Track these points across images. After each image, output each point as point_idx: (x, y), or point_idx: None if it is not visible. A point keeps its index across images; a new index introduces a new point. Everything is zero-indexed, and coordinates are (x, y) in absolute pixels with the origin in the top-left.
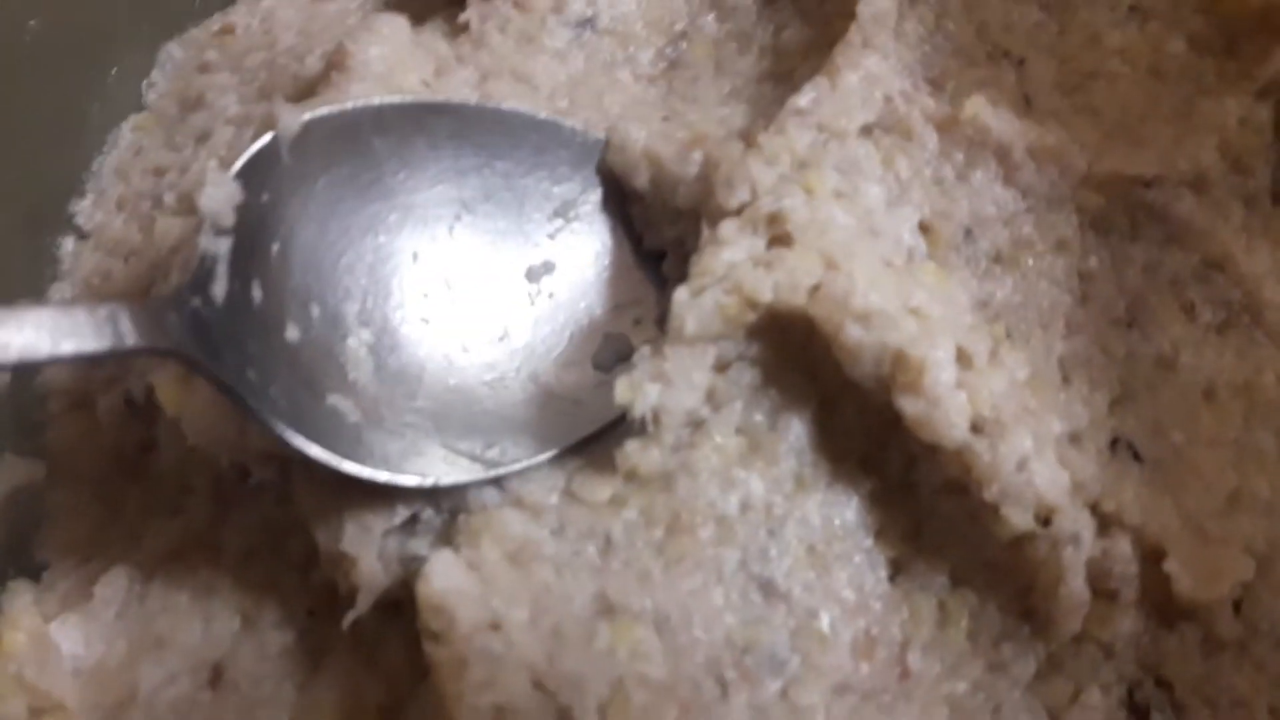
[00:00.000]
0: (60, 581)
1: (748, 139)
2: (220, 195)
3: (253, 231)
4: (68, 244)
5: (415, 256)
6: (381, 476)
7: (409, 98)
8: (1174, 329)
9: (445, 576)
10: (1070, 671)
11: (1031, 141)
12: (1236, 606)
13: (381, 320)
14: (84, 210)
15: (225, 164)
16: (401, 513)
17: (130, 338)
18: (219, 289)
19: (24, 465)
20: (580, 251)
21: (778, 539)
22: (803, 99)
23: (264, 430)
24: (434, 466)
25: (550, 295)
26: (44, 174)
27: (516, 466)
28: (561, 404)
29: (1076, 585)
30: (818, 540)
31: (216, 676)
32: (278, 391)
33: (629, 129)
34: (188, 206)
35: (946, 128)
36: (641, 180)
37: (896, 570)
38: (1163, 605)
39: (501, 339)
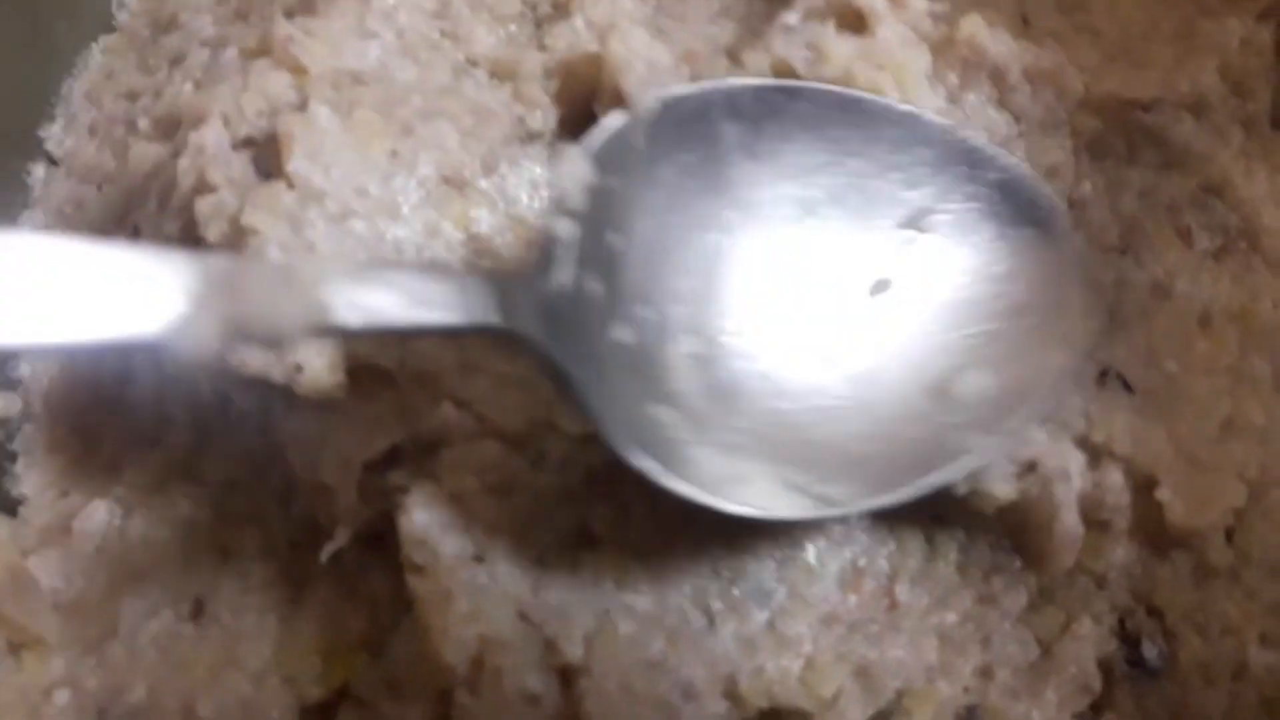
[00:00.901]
0: (38, 516)
1: (734, 55)
2: (575, 175)
3: (599, 218)
4: (38, 171)
5: (750, 262)
6: (711, 501)
7: (766, 79)
8: (1169, 255)
9: (427, 508)
10: (1061, 602)
11: (1028, 63)
12: (1228, 534)
13: (709, 329)
14: (54, 136)
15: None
16: (380, 444)
17: (486, 314)
18: (564, 276)
19: None
20: (931, 268)
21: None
22: (792, 16)
23: (602, 434)
24: (762, 497)
25: (892, 317)
26: (9, 97)
27: (853, 508)
28: (897, 442)
29: (1070, 521)
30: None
31: (198, 609)
32: (607, 392)
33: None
34: (163, 131)
35: (941, 49)
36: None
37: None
38: (1154, 534)
39: (834, 362)
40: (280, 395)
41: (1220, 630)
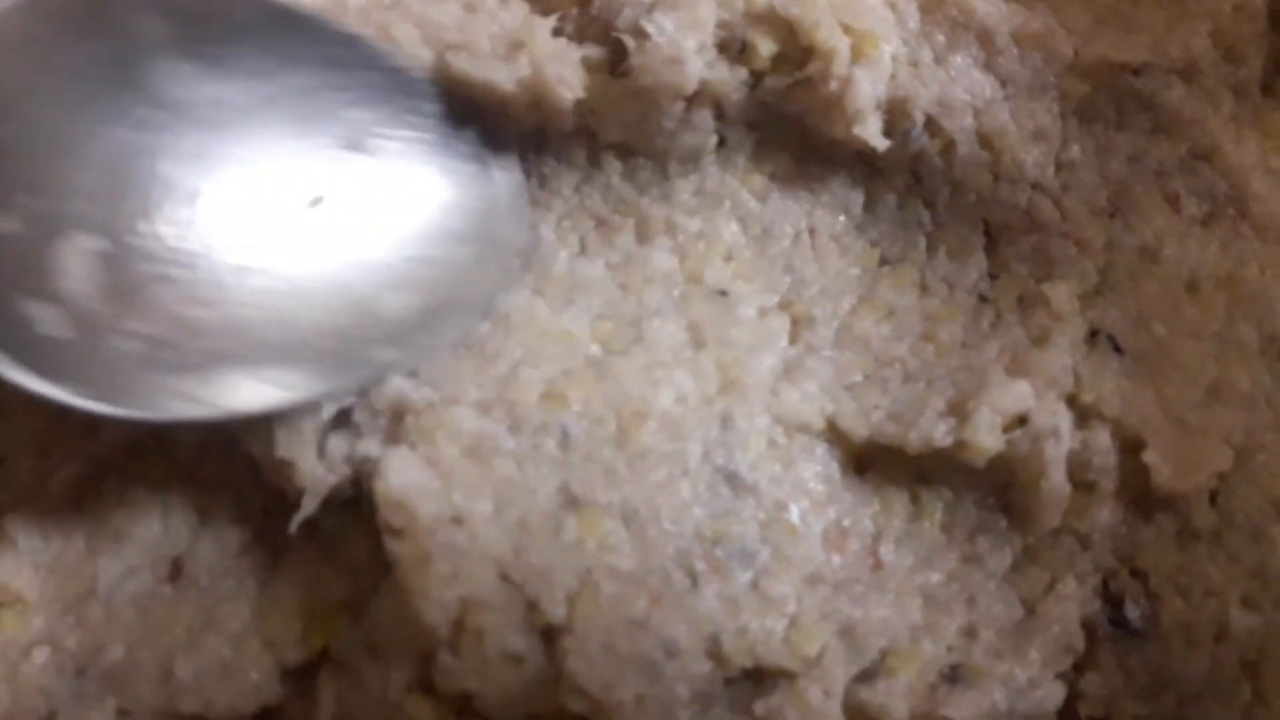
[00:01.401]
0: (16, 476)
1: None
2: None
3: None
4: None
5: (172, 162)
6: (72, 400)
7: None
8: (1158, 220)
9: (403, 473)
10: (1046, 562)
11: (1017, 26)
12: (1212, 497)
13: (115, 227)
14: None
15: None
16: (329, 408)
17: None
18: None
19: None
20: (369, 190)
21: (732, 431)
22: None
23: None
24: (146, 401)
25: (325, 233)
26: None
27: (261, 408)
28: (308, 352)
29: (1058, 480)
30: (776, 434)
31: (176, 571)
32: None
33: None
34: None
35: (930, 8)
36: None
37: (864, 466)
38: (1140, 496)
39: (257, 271)
40: None
41: (1203, 592)
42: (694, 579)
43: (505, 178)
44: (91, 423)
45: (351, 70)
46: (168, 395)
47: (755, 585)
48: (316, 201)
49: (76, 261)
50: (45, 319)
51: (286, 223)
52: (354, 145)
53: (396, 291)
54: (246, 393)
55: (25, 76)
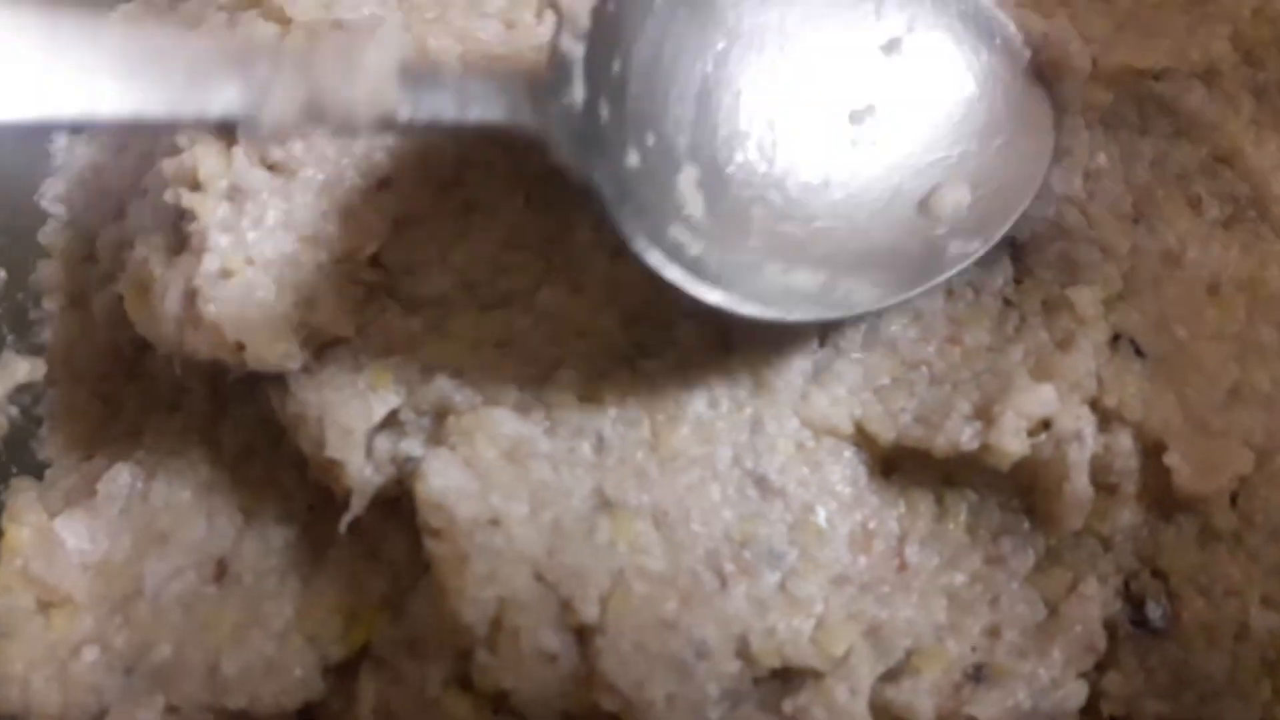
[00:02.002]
0: (63, 479)
1: None
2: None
3: (600, 43)
4: (60, 139)
5: (739, 92)
6: (741, 307)
7: None
8: (1180, 224)
9: (443, 474)
10: (1068, 563)
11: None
12: (1233, 499)
13: (709, 157)
14: None
15: None
16: (379, 411)
17: (524, 114)
18: (577, 94)
19: (24, 364)
20: (907, 93)
21: (762, 436)
22: None
23: (632, 248)
24: (781, 300)
25: (873, 141)
26: None
27: (864, 308)
28: (893, 254)
29: (1080, 483)
30: (804, 437)
31: (221, 571)
32: (629, 212)
33: None
34: None
35: None
36: None
37: (890, 469)
38: (1161, 498)
39: (822, 187)
40: (273, 381)
41: (1223, 592)
42: (723, 580)
43: (1025, 65)
44: (136, 427)
45: None
46: (795, 299)
47: (783, 586)
48: (869, 110)
49: (693, 190)
50: (689, 242)
51: (849, 137)
52: (892, 48)
53: (951, 187)
54: (859, 294)
55: (630, 18)
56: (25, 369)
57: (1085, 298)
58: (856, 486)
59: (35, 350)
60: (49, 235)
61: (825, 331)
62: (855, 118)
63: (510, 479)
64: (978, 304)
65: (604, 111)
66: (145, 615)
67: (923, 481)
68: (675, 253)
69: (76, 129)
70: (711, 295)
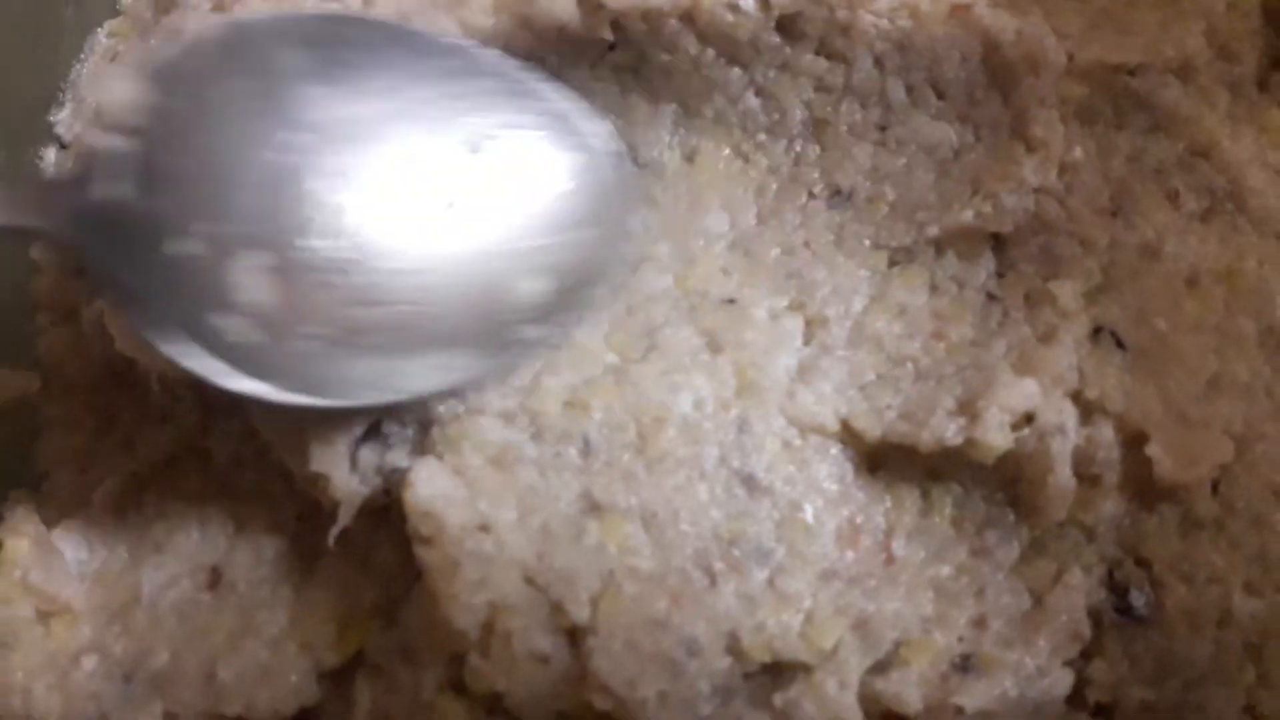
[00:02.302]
0: (59, 491)
1: None
2: (119, 92)
3: (158, 136)
4: (49, 155)
5: (321, 179)
6: (279, 396)
7: (331, 10)
8: (1158, 217)
9: (430, 483)
10: (1053, 554)
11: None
12: (1214, 487)
13: (279, 243)
14: (64, 120)
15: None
16: (360, 422)
17: (21, 217)
18: (110, 189)
19: (19, 378)
20: (493, 188)
21: (749, 435)
22: None
23: (145, 339)
24: (336, 386)
25: (461, 231)
26: (22, 85)
27: (425, 391)
28: (462, 338)
29: (1064, 475)
30: (790, 436)
31: (215, 579)
32: (167, 304)
33: None
34: None
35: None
36: None
37: (876, 465)
38: (1143, 488)
39: (409, 272)
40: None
41: (1206, 579)
42: (712, 578)
43: (612, 160)
44: (129, 438)
45: (465, 78)
46: (351, 385)
47: (771, 583)
48: (450, 204)
49: (250, 277)
50: (233, 328)
51: (427, 225)
52: (476, 147)
53: (533, 277)
54: (419, 379)
55: (191, 111)
56: (20, 383)
57: (1066, 291)
58: (843, 483)
59: (30, 364)
60: (41, 250)
61: (811, 329)
62: (442, 208)
63: (498, 485)
64: (961, 298)
65: (149, 202)
66: (142, 623)
67: (908, 476)
68: (215, 339)
69: (65, 145)
70: (246, 385)
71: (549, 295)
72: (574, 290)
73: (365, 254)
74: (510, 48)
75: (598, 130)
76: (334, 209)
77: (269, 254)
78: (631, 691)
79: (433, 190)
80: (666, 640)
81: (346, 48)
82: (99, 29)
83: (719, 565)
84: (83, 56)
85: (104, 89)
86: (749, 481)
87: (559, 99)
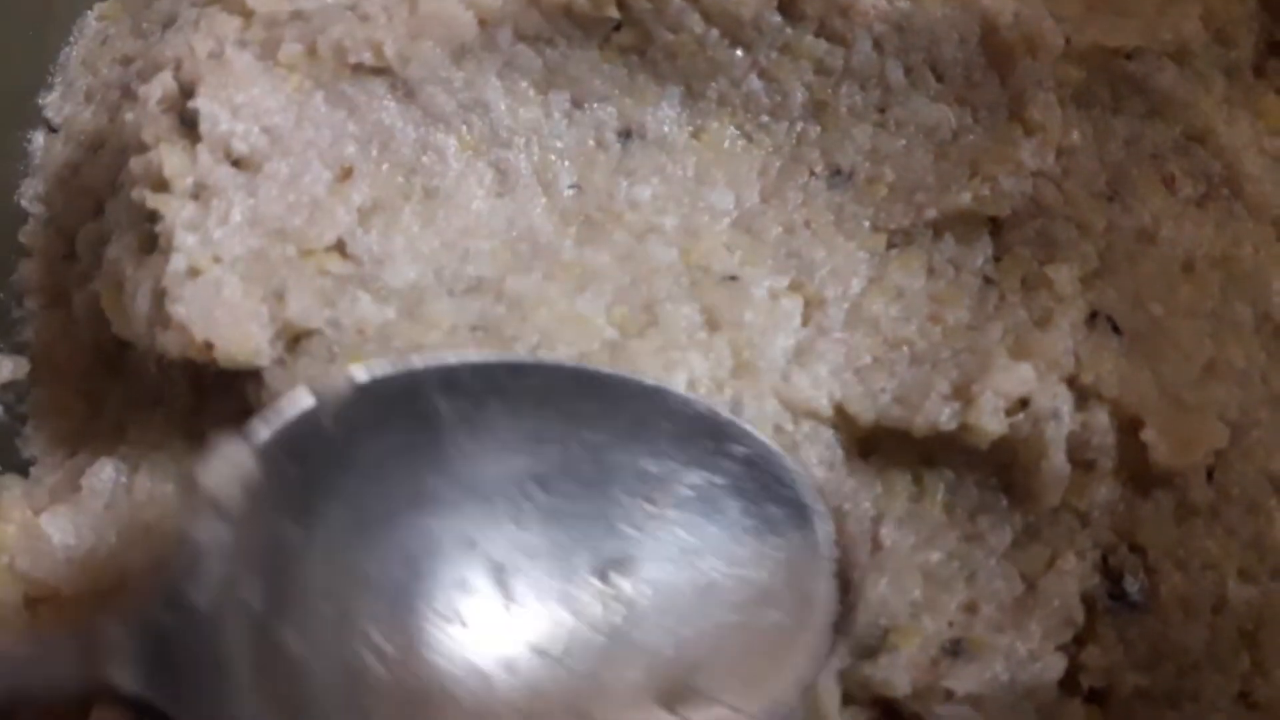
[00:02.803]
0: (48, 476)
1: None
2: (228, 470)
3: (267, 515)
4: (38, 138)
5: (471, 544)
6: None
7: (491, 356)
8: (1155, 202)
9: None
10: (1047, 539)
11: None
12: (1209, 473)
13: (407, 623)
14: (53, 103)
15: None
16: None
17: (66, 682)
18: (206, 592)
19: (7, 362)
20: (669, 549)
21: (739, 417)
22: None
23: None
24: None
25: (628, 605)
26: (10, 67)
27: None
28: None
29: (1058, 460)
30: (783, 420)
31: None
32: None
33: None
34: None
35: None
36: None
37: (868, 450)
38: (1138, 474)
39: (558, 659)
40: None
41: (1200, 566)
42: None
43: (819, 525)
44: (120, 422)
45: (653, 421)
46: None
47: None
48: (618, 566)
49: (373, 662)
50: None
51: (588, 600)
52: (652, 499)
53: (707, 669)
54: None
55: (320, 479)
56: (9, 368)
57: (1063, 275)
58: (833, 469)
59: (19, 349)
60: (29, 234)
61: (809, 310)
62: (604, 574)
63: None
64: (958, 282)
65: (257, 601)
66: None
67: (900, 462)
68: None
69: (54, 128)
70: None
71: (728, 687)
72: (753, 682)
73: (517, 639)
74: (519, 29)
75: (799, 477)
76: (488, 577)
77: (400, 636)
78: None
79: (598, 552)
80: None
81: (505, 394)
82: (89, 11)
83: None
84: (72, 39)
85: (205, 468)
86: None
87: (757, 439)
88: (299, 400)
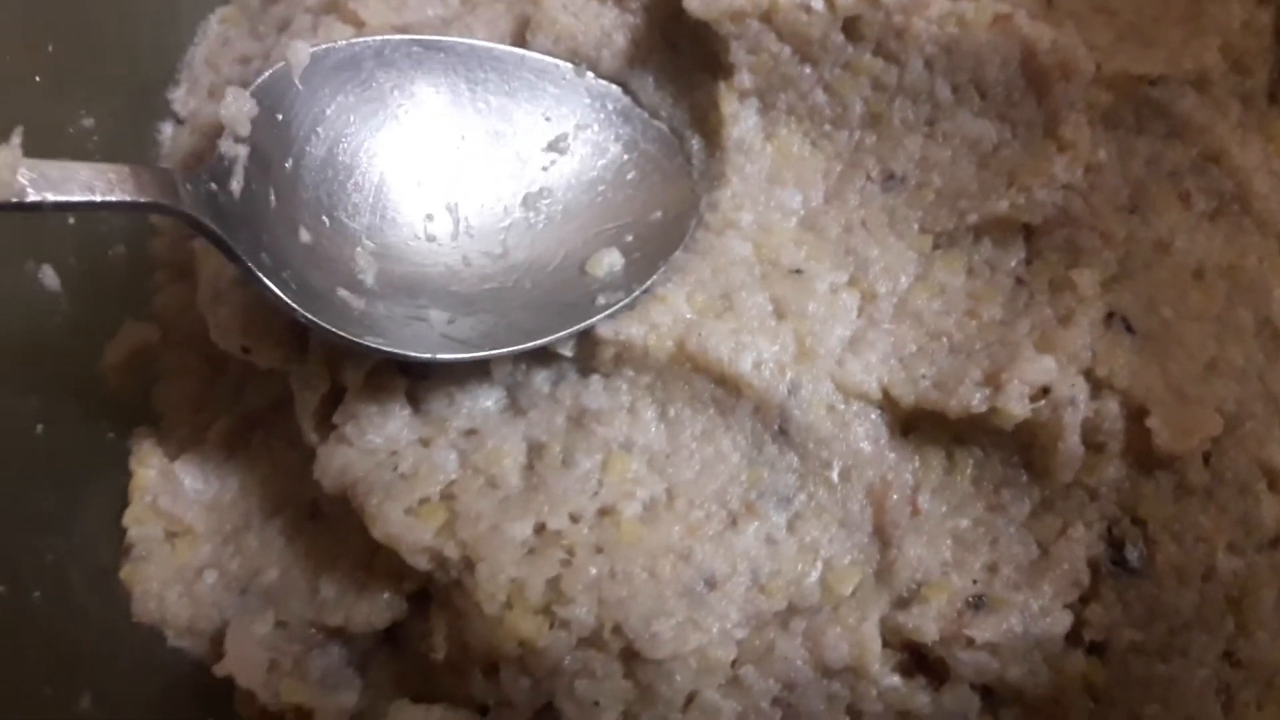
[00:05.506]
0: (177, 429)
1: None
2: (236, 108)
3: (268, 146)
4: (166, 129)
5: (419, 183)
6: (386, 347)
7: (408, 35)
8: (1171, 215)
9: None
10: (1060, 511)
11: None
12: (1206, 458)
13: (386, 237)
14: (179, 98)
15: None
16: None
17: (157, 196)
18: (235, 185)
19: (141, 329)
20: (573, 179)
21: (796, 397)
22: None
23: (275, 302)
24: (433, 347)
25: (546, 218)
26: (142, 65)
27: (508, 350)
28: (555, 306)
29: (1073, 442)
30: (836, 400)
31: (316, 510)
32: (290, 277)
33: None
34: None
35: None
36: None
37: (908, 428)
38: (1143, 456)
39: (501, 256)
40: None
41: (1194, 539)
42: (734, 519)
43: (667, 149)
44: (238, 385)
45: (544, 87)
46: (450, 344)
47: (792, 528)
48: (542, 193)
49: (368, 261)
50: (356, 301)
51: (526, 216)
52: (558, 144)
53: (607, 253)
54: (501, 338)
55: (298, 124)
56: (142, 334)
57: (1086, 279)
58: (877, 444)
59: (150, 318)
60: (159, 215)
61: (864, 304)
62: (529, 200)
63: None
64: (993, 281)
65: (272, 199)
66: (253, 545)
67: (935, 440)
68: (342, 310)
69: (180, 120)
70: (372, 342)
71: (619, 270)
72: (641, 261)
73: (468, 242)
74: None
75: (659, 124)
76: (442, 205)
77: (382, 244)
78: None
79: (524, 184)
80: (687, 572)
81: (427, 65)
82: (211, 15)
83: (738, 507)
84: (196, 40)
85: (221, 105)
86: (780, 437)
87: (622, 95)
88: (274, 63)
